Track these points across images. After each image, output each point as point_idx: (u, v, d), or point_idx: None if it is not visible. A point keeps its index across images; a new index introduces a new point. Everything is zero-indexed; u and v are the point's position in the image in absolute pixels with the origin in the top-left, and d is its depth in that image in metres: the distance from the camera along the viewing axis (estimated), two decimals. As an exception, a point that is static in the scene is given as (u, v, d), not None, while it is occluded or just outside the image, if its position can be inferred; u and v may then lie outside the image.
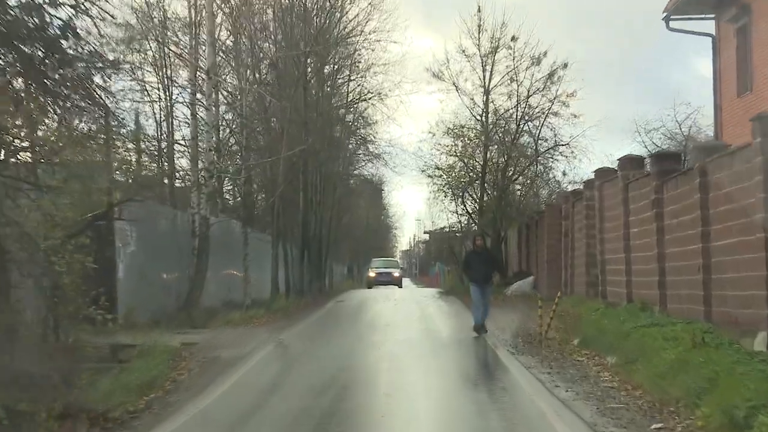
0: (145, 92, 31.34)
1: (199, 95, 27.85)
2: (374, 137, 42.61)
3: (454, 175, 38.03)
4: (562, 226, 29.54)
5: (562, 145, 36.45)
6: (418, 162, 39.54)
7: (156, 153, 30.56)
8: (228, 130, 32.64)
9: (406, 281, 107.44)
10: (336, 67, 40.03)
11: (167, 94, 31.49)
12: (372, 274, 58.44)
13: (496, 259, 24.03)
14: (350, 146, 44.46)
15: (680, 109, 35.38)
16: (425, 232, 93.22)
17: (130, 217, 21.72)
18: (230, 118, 33.46)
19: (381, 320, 23.79)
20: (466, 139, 36.96)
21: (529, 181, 37.08)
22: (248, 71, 32.86)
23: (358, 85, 41.90)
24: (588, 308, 22.64)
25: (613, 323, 16.88)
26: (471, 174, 37.76)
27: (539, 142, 36.85)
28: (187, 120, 29.90)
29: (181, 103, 30.46)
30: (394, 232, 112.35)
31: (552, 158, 37.02)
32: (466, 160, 37.29)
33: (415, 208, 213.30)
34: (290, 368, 14.74)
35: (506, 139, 36.66)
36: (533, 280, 35.54)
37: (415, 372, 14.48)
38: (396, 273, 58.24)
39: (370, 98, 41.15)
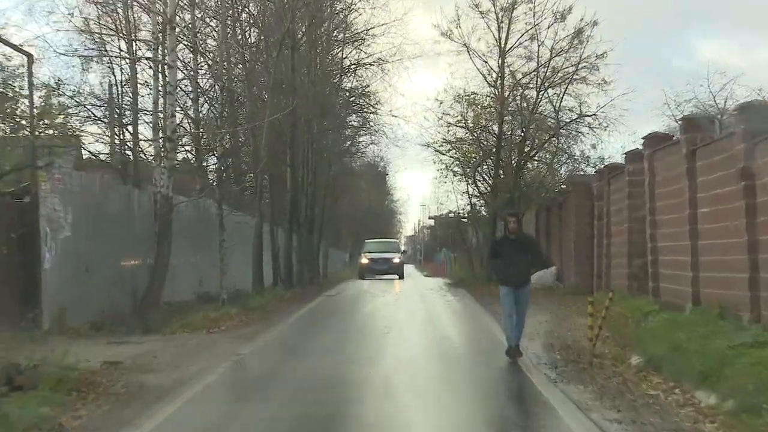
0: (103, 49, 26.68)
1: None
2: (374, 107, 37.87)
3: (464, 150, 33.52)
4: (594, 207, 25.20)
5: (588, 115, 31.86)
6: (423, 135, 35.06)
7: (110, 120, 25.98)
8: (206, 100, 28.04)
9: (409, 268, 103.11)
10: (330, 26, 35.40)
11: (130, 51, 26.89)
12: (365, 260, 46.37)
13: (537, 249, 15.45)
14: (347, 118, 39.63)
15: (714, 79, 31.01)
16: (430, 217, 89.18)
17: (63, 193, 17.67)
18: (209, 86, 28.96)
19: (377, 324, 19.43)
20: (478, 108, 32.39)
21: (549, 157, 32.48)
22: (228, 29, 28.36)
23: (356, 49, 37.36)
24: (635, 309, 18.41)
25: (691, 337, 12.42)
26: (483, 148, 33.22)
27: (561, 112, 32.27)
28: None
29: (141, 59, 25.86)
30: (399, 217, 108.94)
31: (576, 132, 32.47)
32: (477, 133, 32.76)
33: (420, 193, 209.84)
34: (240, 408, 10.32)
35: (524, 108, 32.11)
36: (556, 270, 31.13)
37: (422, 415, 10.09)
38: (396, 259, 45.21)
39: (369, 63, 36.61)
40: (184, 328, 18.52)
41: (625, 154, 22.52)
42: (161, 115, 24.05)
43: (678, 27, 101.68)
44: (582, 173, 31.20)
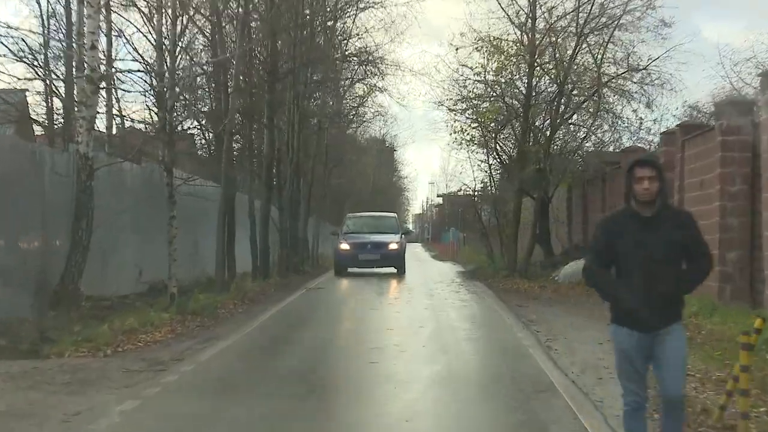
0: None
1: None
2: (373, 56, 31.71)
3: (483, 110, 27.47)
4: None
5: (639, 69, 25.73)
6: (434, 91, 28.92)
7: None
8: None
9: (416, 247, 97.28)
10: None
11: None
12: (344, 245, 30.70)
13: (699, 240, 6.08)
14: (342, 71, 33.38)
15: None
16: (439, 195, 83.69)
17: None
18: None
19: (367, 347, 13.26)
20: (503, 56, 26.28)
21: (590, 120, 26.41)
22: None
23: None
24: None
25: None
26: (508, 108, 27.15)
27: (604, 66, 26.17)
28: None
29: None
30: (406, 194, 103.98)
31: (622, 90, 26.36)
32: (502, 88, 26.70)
33: (429, 170, 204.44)
34: None
35: (557, 57, 26.03)
36: (597, 260, 24.98)
37: None
38: (394, 243, 30.03)
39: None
40: (81, 346, 12.83)
41: (718, 103, 16.56)
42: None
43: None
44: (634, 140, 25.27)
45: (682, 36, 60.66)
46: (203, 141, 29.62)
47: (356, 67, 34.64)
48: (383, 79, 34.49)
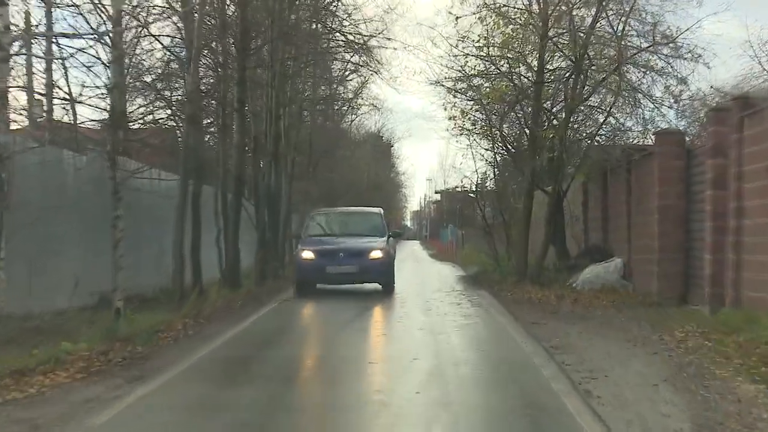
0: None
1: None
2: (364, 37, 28.07)
3: (487, 89, 23.85)
4: (709, 170, 15.76)
5: (665, 43, 22.12)
6: (431, 68, 25.31)
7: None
8: None
9: (414, 245, 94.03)
10: None
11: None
12: (307, 253, 22.68)
13: None
14: (328, 46, 29.67)
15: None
16: (437, 192, 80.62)
17: None
18: None
19: (336, 403, 9.58)
20: (509, 27, 22.66)
21: (612, 99, 22.78)
22: None
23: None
24: None
25: None
26: (517, 86, 23.52)
27: (625, 39, 22.54)
28: None
29: None
30: (403, 191, 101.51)
31: (648, 66, 22.75)
32: (509, 63, 23.08)
33: (427, 166, 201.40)
34: None
35: (573, 28, 22.44)
36: (622, 264, 21.66)
37: None
38: (376, 250, 22.40)
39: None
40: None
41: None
42: None
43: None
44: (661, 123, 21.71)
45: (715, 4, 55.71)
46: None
47: (350, 55, 31.14)
48: (378, 72, 30.96)
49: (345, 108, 64.35)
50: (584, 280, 21.95)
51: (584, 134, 24.61)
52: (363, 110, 70.31)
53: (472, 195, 35.74)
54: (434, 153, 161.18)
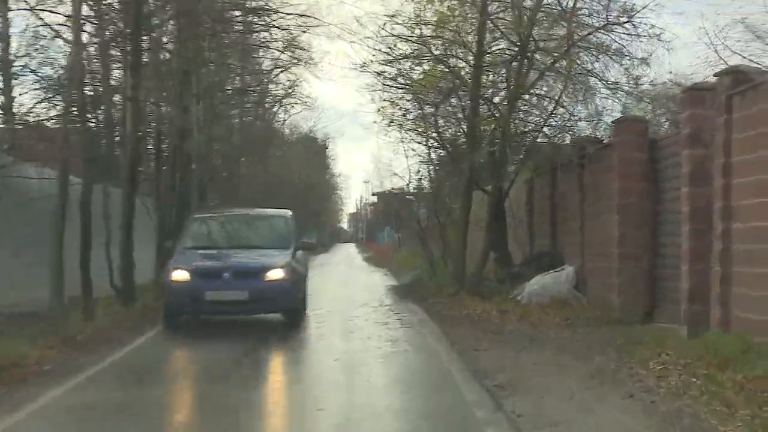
0: None
1: None
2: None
3: (421, 75, 20.89)
4: (686, 163, 12.99)
5: (621, 23, 19.33)
6: (358, 54, 22.17)
7: None
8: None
9: (349, 247, 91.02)
10: None
11: None
12: (180, 272, 16.21)
13: None
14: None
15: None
16: (374, 194, 77.94)
17: None
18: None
19: None
20: (445, 4, 19.73)
21: (562, 85, 19.93)
22: None
23: None
24: None
25: None
26: (452, 72, 20.56)
27: (576, 19, 19.71)
28: None
29: None
30: (339, 193, 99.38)
31: (601, 48, 19.98)
32: (445, 44, 20.14)
33: (366, 169, 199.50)
34: None
35: (517, 4, 19.58)
36: (574, 273, 18.86)
37: None
38: (277, 270, 15.98)
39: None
40: None
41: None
42: None
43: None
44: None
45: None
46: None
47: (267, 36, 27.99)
48: (301, 59, 28.06)
49: (275, 107, 61.83)
50: (531, 292, 19.08)
51: (530, 126, 21.74)
52: (296, 109, 67.55)
53: (410, 196, 32.79)
54: (370, 154, 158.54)
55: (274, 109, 62.75)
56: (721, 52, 21.74)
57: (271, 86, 59.32)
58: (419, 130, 22.67)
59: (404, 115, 21.54)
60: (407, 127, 23.02)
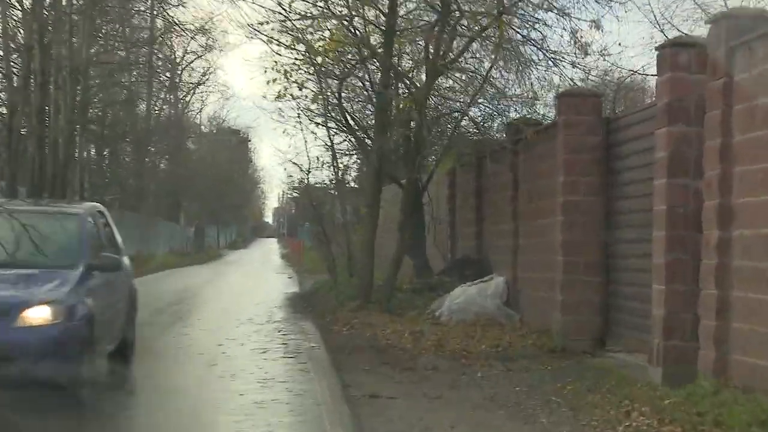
0: None
1: None
2: None
3: (321, 40, 17.07)
4: (662, 146, 9.41)
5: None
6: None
7: None
8: None
9: (270, 243, 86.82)
10: None
11: None
12: None
13: None
14: None
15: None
16: (294, 187, 74.10)
17: None
18: None
19: None
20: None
21: (492, 57, 16.32)
22: None
23: None
24: None
25: None
26: (359, 39, 16.79)
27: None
28: None
29: None
30: (261, 187, 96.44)
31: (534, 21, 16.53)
32: (348, 4, 16.39)
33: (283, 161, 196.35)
34: None
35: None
36: (505, 285, 15.34)
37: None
38: (42, 307, 8.89)
39: None
40: None
41: None
42: None
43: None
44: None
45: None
46: None
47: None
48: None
49: (187, 96, 57.97)
50: (452, 308, 15.50)
51: (453, 106, 18.11)
52: (212, 98, 64.11)
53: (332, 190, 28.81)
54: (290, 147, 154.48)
55: (187, 98, 59.33)
56: (668, 31, 18.78)
57: (185, 75, 56.20)
58: (320, 110, 18.83)
59: (300, 89, 17.64)
60: (305, 105, 19.13)
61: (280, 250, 67.57)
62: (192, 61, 54.76)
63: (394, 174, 18.65)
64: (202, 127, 68.15)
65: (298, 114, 19.10)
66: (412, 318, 15.52)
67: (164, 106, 54.25)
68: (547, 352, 12.39)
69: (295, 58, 17.36)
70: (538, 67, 16.24)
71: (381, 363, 11.79)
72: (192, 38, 36.41)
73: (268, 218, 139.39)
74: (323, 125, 19.17)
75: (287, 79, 17.13)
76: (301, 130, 19.94)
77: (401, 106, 16.70)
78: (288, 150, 23.70)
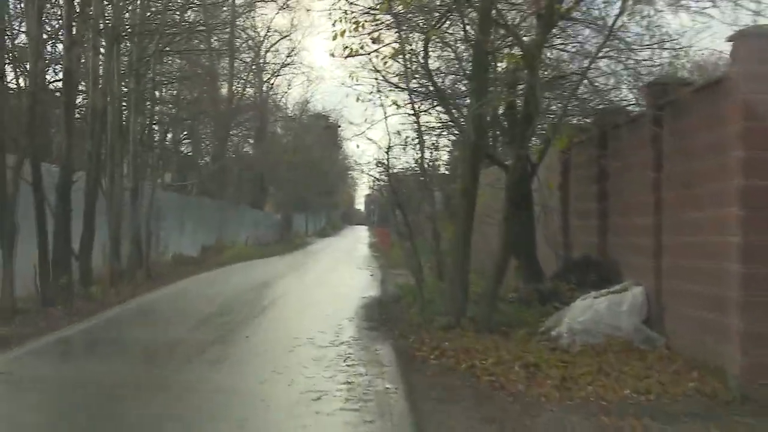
0: None
1: None
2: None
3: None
4: None
5: None
6: None
7: None
8: None
9: (360, 231, 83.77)
10: None
11: None
12: None
13: None
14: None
15: None
16: (386, 174, 71.05)
17: None
18: None
19: None
20: None
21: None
22: None
23: None
24: None
25: None
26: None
27: None
28: None
29: None
30: (352, 174, 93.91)
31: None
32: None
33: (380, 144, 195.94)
34: None
35: None
36: (645, 298, 11.44)
37: None
38: None
39: None
40: None
41: None
42: None
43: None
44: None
45: None
46: None
47: None
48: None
49: (272, 79, 55.25)
50: (574, 327, 11.72)
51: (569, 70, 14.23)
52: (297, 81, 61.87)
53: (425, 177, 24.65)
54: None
55: (271, 81, 56.55)
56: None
57: (269, 56, 53.76)
58: (398, 72, 15.01)
59: (373, 42, 13.85)
60: (379, 65, 15.30)
61: (369, 239, 64.19)
62: (276, 42, 52.16)
63: (493, 153, 14.82)
64: (288, 111, 65.44)
65: (375, 78, 15.31)
66: (522, 339, 11.80)
67: (247, 88, 51.47)
68: (723, 404, 8.58)
69: (370, 7, 13.66)
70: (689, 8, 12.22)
71: (482, 420, 8.11)
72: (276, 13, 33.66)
73: (360, 205, 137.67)
74: (404, 89, 15.35)
75: (355, 32, 13.41)
76: (380, 98, 16.10)
77: (506, 64, 12.89)
78: (363, 124, 19.73)
